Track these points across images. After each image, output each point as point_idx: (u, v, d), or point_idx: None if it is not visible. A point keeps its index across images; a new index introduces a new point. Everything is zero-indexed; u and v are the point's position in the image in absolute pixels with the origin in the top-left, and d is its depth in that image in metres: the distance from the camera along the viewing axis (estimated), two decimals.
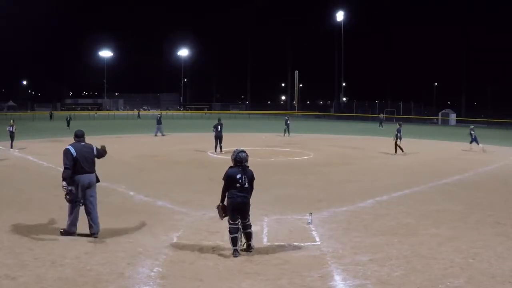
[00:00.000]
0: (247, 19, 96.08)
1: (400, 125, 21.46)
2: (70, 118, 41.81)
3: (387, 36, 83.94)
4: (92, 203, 7.75)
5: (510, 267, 6.48)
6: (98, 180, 7.95)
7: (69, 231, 7.73)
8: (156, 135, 30.03)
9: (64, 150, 7.70)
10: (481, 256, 6.94)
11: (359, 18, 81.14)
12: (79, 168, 7.59)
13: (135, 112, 74.13)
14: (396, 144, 20.77)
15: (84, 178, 7.64)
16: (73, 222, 7.75)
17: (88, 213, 7.71)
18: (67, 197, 7.55)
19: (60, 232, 7.81)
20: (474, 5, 68.53)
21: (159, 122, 31.07)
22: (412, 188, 12.66)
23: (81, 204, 7.69)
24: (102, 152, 8.11)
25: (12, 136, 21.30)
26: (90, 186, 7.73)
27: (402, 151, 20.68)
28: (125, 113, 76.18)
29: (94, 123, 49.41)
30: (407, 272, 6.27)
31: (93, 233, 7.66)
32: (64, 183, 7.50)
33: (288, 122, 31.50)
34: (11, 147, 20.84)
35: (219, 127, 20.71)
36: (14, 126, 21.48)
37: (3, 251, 6.90)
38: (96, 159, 7.94)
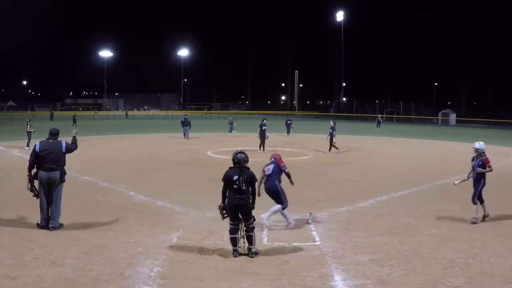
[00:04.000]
0: (247, 19, 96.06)
1: (334, 123, 21.73)
2: (76, 117, 43.60)
3: (387, 36, 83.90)
4: (53, 200, 8.10)
5: (510, 267, 6.48)
6: (62, 179, 8.23)
7: (40, 224, 8.09)
8: (186, 138, 27.78)
9: None
10: (481, 256, 6.94)
11: (359, 18, 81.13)
12: (40, 164, 8.09)
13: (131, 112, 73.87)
14: (330, 142, 21.13)
15: (43, 174, 8.06)
16: (40, 214, 8.12)
17: (49, 207, 8.12)
18: (28, 186, 8.19)
19: (37, 224, 8.18)
20: (474, 5, 68.52)
21: (183, 123, 28.48)
22: (412, 188, 12.67)
23: (33, 195, 8.20)
24: (72, 146, 8.50)
25: (29, 135, 21.65)
26: (49, 182, 8.08)
27: (334, 148, 21.06)
28: (124, 113, 76.11)
29: (94, 123, 49.38)
30: (407, 272, 6.27)
31: (49, 227, 8.03)
32: (27, 174, 8.18)
33: (289, 122, 31.73)
34: (27, 146, 20.88)
35: (259, 128, 21.87)
36: (29, 126, 22.00)
37: (3, 251, 6.90)
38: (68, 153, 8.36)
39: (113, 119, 61.11)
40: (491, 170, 9.16)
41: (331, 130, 21.19)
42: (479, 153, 9.27)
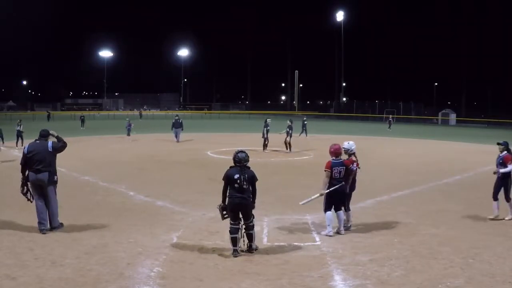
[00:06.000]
0: (247, 19, 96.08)
1: (291, 121, 21.79)
2: (84, 117, 42.71)
3: (387, 36, 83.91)
4: (47, 201, 7.97)
5: (510, 267, 6.49)
6: (51, 180, 7.98)
7: (41, 231, 7.90)
8: (177, 141, 25.61)
9: None
10: (481, 256, 6.94)
11: (359, 18, 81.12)
12: (29, 166, 7.98)
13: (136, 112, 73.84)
14: (285, 141, 21.15)
15: (32, 175, 7.96)
16: (38, 218, 7.95)
17: (47, 209, 8.01)
18: (21, 189, 8.09)
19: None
20: (474, 5, 68.53)
21: (175, 125, 26.11)
22: (412, 188, 12.67)
23: (27, 199, 8.11)
24: (59, 144, 8.22)
25: (19, 135, 22.11)
26: (39, 184, 7.94)
27: (289, 149, 20.99)
28: (125, 113, 76.08)
29: (95, 123, 49.36)
30: (407, 272, 6.27)
31: (52, 227, 7.95)
32: (21, 177, 8.10)
33: (305, 122, 31.29)
34: (16, 146, 21.49)
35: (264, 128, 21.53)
36: (21, 126, 22.59)
37: (3, 251, 6.90)
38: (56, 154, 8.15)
39: (113, 119, 61.08)
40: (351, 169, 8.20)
41: (288, 129, 21.21)
42: (349, 154, 8.49)
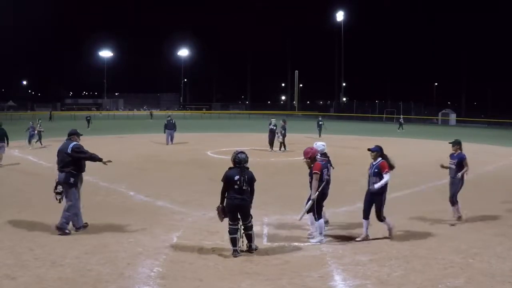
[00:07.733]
0: (247, 19, 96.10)
1: (284, 122, 21.91)
2: (90, 118, 42.31)
3: (387, 36, 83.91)
4: (63, 200, 8.00)
5: (510, 267, 6.49)
6: (66, 182, 7.88)
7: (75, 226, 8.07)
8: (169, 143, 24.17)
9: None
10: (481, 256, 6.95)
11: (359, 18, 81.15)
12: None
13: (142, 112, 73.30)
14: (280, 141, 21.39)
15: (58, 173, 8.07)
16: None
17: None
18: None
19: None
20: (474, 5, 68.53)
21: (167, 126, 24.58)
22: (412, 188, 12.67)
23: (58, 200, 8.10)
24: (77, 150, 7.98)
25: (39, 134, 22.83)
26: (60, 183, 7.96)
27: (282, 148, 21.29)
28: (125, 113, 76.09)
29: (97, 123, 49.35)
30: (407, 272, 6.28)
31: (56, 226, 7.92)
32: None
33: (321, 123, 30.79)
34: (41, 144, 22.41)
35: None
36: (39, 125, 23.30)
37: (4, 251, 6.91)
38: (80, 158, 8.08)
39: (113, 119, 61.09)
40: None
41: (282, 130, 21.36)
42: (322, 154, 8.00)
